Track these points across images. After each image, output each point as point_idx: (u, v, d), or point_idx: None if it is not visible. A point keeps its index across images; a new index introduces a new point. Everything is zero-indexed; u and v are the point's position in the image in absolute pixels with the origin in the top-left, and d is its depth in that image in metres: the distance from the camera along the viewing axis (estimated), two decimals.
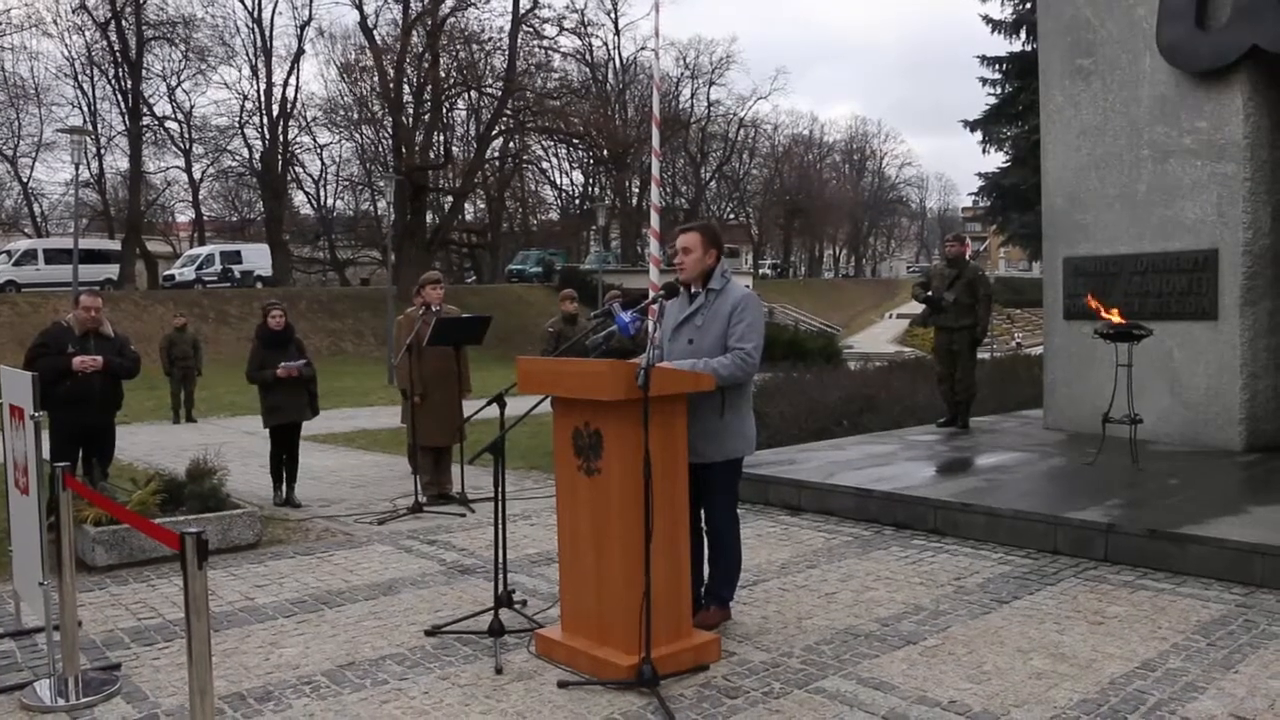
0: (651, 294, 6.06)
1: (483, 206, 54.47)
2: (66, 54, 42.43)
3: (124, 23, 40.03)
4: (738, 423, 4.73)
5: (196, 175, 47.73)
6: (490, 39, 42.85)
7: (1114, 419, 7.88)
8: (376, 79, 41.11)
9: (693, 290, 4.79)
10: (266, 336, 8.49)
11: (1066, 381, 9.91)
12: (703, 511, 4.83)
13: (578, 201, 59.58)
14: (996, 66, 26.34)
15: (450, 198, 46.52)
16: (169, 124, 44.40)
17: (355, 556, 6.63)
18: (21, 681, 4.35)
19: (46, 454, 5.06)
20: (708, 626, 4.71)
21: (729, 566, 4.93)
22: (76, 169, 23.96)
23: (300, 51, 44.42)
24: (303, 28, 44.77)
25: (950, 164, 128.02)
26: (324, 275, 53.64)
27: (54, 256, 34.61)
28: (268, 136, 44.39)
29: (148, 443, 12.78)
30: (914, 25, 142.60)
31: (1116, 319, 8.11)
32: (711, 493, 4.77)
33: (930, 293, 10.29)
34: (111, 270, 37.87)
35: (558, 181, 59.43)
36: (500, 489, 4.87)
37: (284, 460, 8.57)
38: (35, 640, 4.88)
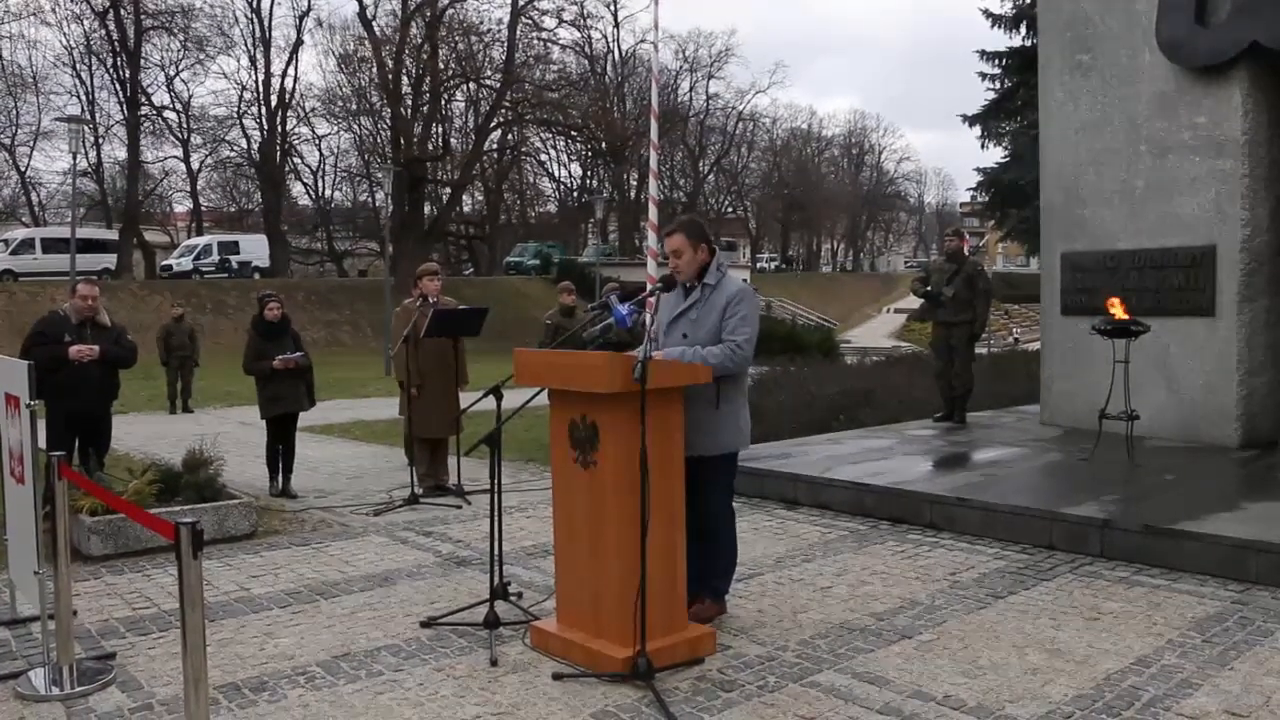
0: (649, 287, 6.05)
1: (480, 198, 54.40)
2: (65, 43, 42.41)
3: (122, 12, 39.91)
4: (732, 416, 4.73)
5: (194, 165, 47.65)
6: (489, 31, 42.87)
7: (1111, 415, 7.88)
8: (375, 70, 41.07)
9: (688, 285, 4.79)
10: (263, 328, 8.49)
11: (1063, 377, 9.90)
12: (698, 505, 4.83)
13: (576, 194, 59.48)
14: (996, 61, 26.27)
15: (448, 189, 46.47)
16: (167, 114, 44.32)
17: (351, 548, 6.63)
18: (16, 670, 4.35)
19: (42, 443, 5.04)
20: (702, 620, 4.71)
21: (724, 560, 4.93)
22: (74, 158, 23.85)
23: (299, 42, 44.22)
24: (301, 18, 44.62)
25: (949, 159, 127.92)
26: (321, 266, 53.54)
27: (51, 245, 34.47)
28: (266, 127, 44.25)
29: (144, 433, 12.77)
30: (913, 19, 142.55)
31: (1119, 312, 8.10)
32: (707, 486, 4.76)
33: (929, 288, 10.29)
34: (109, 260, 37.76)
35: (556, 174, 59.41)
36: (496, 481, 4.87)
37: (280, 451, 8.57)
38: (30, 629, 4.88)
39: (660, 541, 4.28)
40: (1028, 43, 24.11)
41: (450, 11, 41.63)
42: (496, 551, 4.90)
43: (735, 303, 4.66)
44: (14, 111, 42.18)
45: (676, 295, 4.84)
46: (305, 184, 52.09)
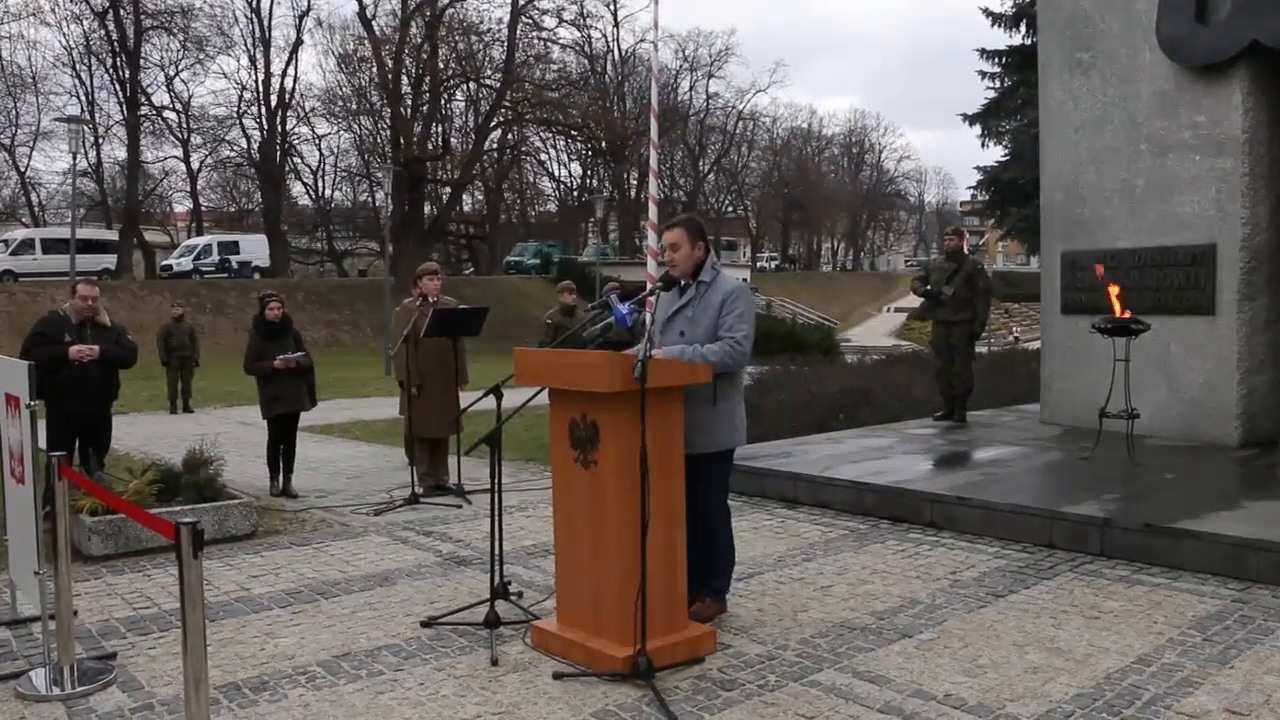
0: (649, 286, 6.06)
1: (481, 198, 54.39)
2: (64, 43, 42.35)
3: (122, 12, 39.90)
4: (728, 413, 4.74)
5: (194, 165, 47.64)
6: (489, 30, 42.88)
7: (1111, 414, 7.88)
8: (375, 70, 41.09)
9: (683, 283, 4.80)
10: (264, 327, 8.49)
11: (1063, 376, 9.90)
12: (696, 503, 4.83)
13: (576, 193, 59.50)
14: (996, 60, 26.26)
15: (448, 189, 46.47)
16: (167, 114, 44.29)
17: (351, 547, 6.63)
18: (17, 670, 4.35)
19: (43, 443, 5.04)
20: (702, 618, 4.71)
21: (722, 558, 4.93)
22: (74, 158, 23.87)
23: (299, 42, 44.19)
24: (301, 18, 44.57)
25: (949, 158, 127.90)
26: (321, 266, 53.56)
27: (51, 246, 34.46)
28: (266, 127, 44.25)
29: (144, 433, 12.77)
30: (913, 18, 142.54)
31: (1117, 309, 8.10)
32: (703, 484, 4.74)
33: (929, 286, 10.29)
34: (109, 260, 37.76)
35: (556, 173, 59.40)
36: (497, 480, 4.87)
37: (281, 451, 8.57)
38: (31, 629, 4.88)
39: (660, 541, 4.28)
40: (1028, 41, 24.10)
41: (450, 11, 41.68)
42: (497, 551, 4.90)
43: (731, 300, 4.68)
44: (14, 112, 42.24)
45: (672, 294, 4.85)
46: (305, 184, 52.16)
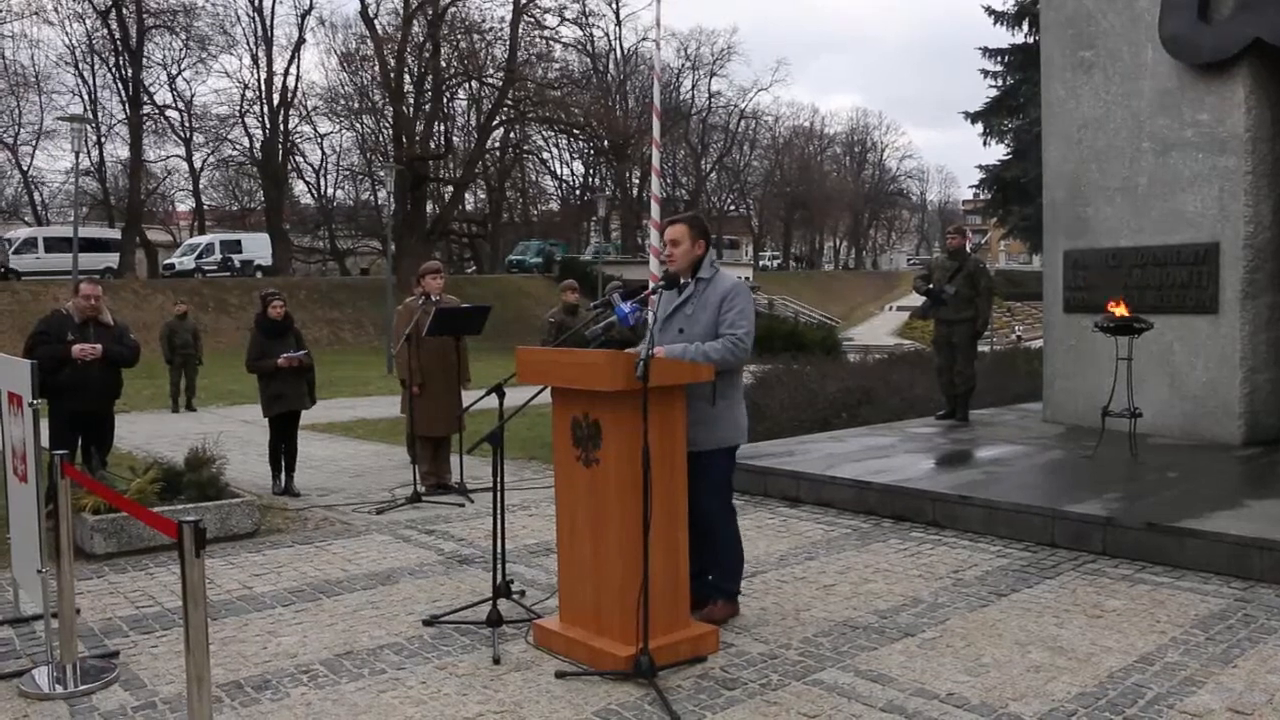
0: (651, 284, 6.05)
1: (483, 197, 54.45)
2: (67, 42, 42.31)
3: (124, 10, 39.89)
4: (729, 411, 4.74)
5: (197, 164, 47.62)
6: (491, 29, 42.92)
7: (1113, 412, 7.87)
8: (377, 68, 41.12)
9: (682, 280, 4.80)
10: (266, 326, 8.50)
11: (1066, 375, 9.89)
12: (698, 503, 4.81)
13: (578, 192, 59.52)
14: (998, 58, 26.27)
15: (450, 188, 46.53)
16: (169, 112, 44.26)
17: (353, 546, 6.64)
18: (20, 669, 4.35)
19: (45, 441, 5.04)
20: (715, 622, 4.70)
21: (730, 560, 4.92)
22: (77, 157, 23.93)
23: (301, 40, 44.24)
24: (303, 16, 44.54)
25: (951, 156, 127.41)
26: (324, 265, 53.58)
27: (54, 245, 34.48)
28: (268, 125, 44.24)
29: (146, 431, 12.78)
30: (915, 16, 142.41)
31: (1120, 310, 8.09)
32: (706, 482, 4.72)
33: (931, 285, 10.28)
34: (111, 259, 37.78)
35: (558, 172, 59.47)
36: (499, 479, 4.87)
37: (283, 449, 8.58)
38: (33, 628, 4.89)
39: (662, 539, 4.28)
40: (1030, 39, 24.11)
41: (452, 10, 41.69)
42: (499, 549, 4.90)
43: (731, 297, 4.69)
44: (17, 111, 42.28)
45: (671, 291, 4.84)
46: (307, 182, 52.20)
